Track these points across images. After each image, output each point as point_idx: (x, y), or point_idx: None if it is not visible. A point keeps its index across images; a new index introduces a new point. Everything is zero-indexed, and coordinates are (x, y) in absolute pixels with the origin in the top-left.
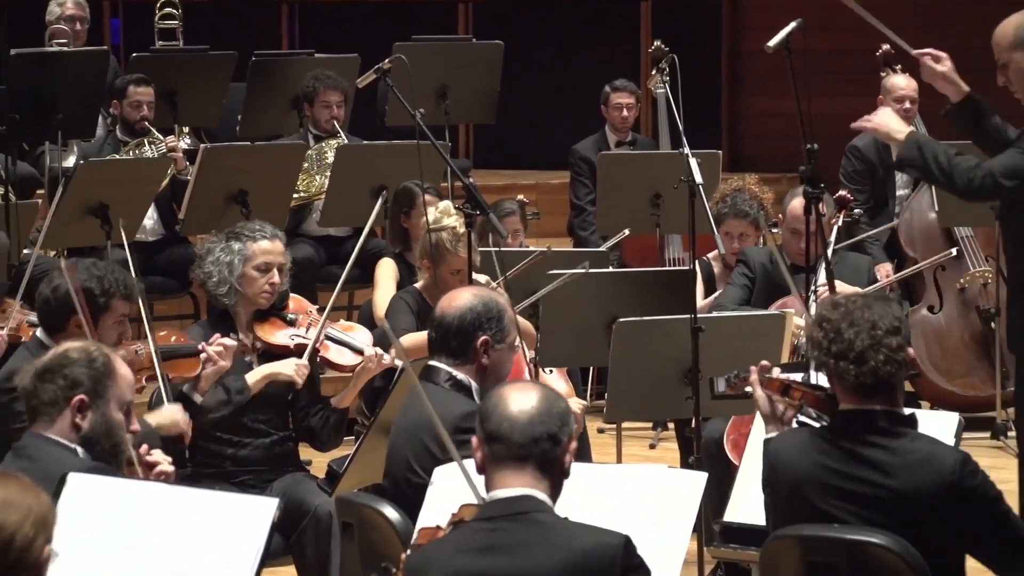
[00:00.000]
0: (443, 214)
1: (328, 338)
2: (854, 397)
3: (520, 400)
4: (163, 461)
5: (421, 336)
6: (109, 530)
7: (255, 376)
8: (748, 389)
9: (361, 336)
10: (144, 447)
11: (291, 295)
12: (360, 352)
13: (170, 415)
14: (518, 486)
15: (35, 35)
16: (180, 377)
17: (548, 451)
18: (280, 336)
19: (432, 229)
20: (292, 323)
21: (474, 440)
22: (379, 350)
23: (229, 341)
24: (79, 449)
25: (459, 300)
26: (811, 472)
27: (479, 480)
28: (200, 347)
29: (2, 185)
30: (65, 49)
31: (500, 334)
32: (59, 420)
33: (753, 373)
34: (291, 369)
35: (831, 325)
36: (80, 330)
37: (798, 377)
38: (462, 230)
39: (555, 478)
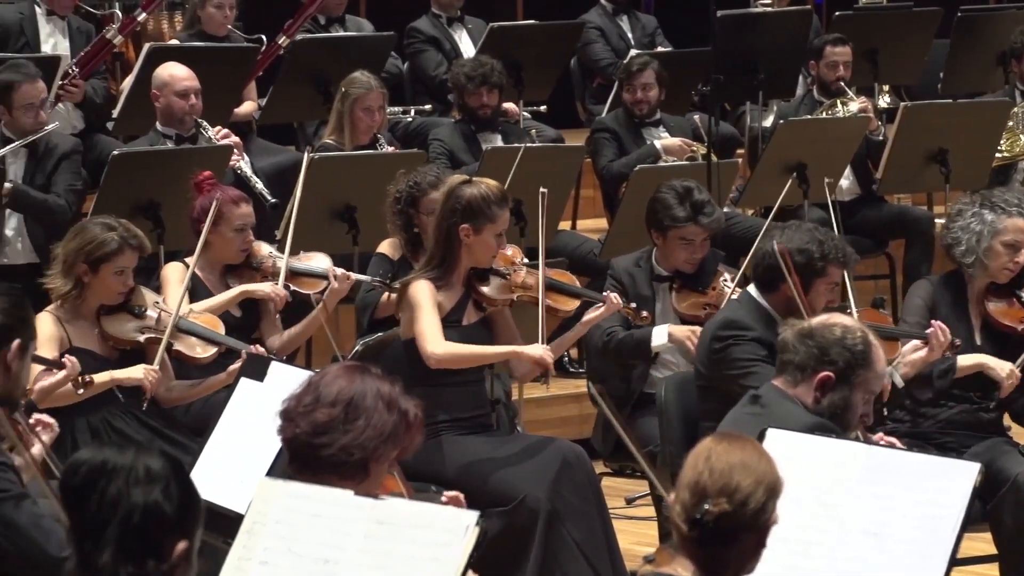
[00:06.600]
0: None
1: None
2: None
3: None
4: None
5: None
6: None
7: (969, 360)
8: None
9: None
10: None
11: None
12: None
13: None
14: None
15: None
16: None
17: None
18: (1010, 319)
19: None
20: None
21: None
22: None
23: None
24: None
25: None
26: None
27: None
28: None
29: (704, 145)
30: (769, 9)
31: None
32: (802, 384)
33: None
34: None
35: None
36: (790, 293)
37: None
38: None
39: None
